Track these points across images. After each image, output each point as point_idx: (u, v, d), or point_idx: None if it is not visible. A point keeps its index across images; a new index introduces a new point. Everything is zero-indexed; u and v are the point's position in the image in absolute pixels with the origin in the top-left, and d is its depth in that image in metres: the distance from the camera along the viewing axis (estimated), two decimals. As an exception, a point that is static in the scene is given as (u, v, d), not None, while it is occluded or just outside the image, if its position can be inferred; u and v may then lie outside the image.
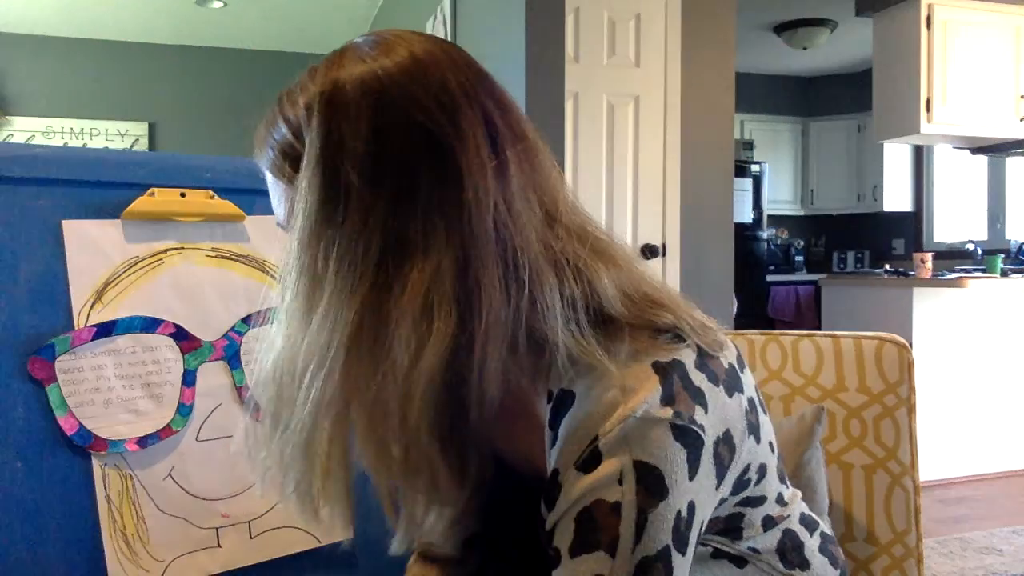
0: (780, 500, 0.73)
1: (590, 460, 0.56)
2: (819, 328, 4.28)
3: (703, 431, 0.58)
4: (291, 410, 0.58)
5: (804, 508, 0.79)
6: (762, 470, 0.69)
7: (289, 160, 0.59)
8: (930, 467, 3.63)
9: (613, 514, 0.55)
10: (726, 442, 0.61)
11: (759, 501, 0.70)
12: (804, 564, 0.75)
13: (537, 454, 0.65)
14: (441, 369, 0.55)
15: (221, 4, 4.71)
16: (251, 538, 0.98)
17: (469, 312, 0.55)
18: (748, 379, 0.66)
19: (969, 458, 3.78)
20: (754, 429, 0.65)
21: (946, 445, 3.71)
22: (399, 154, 0.55)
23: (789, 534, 0.74)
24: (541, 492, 0.62)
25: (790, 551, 0.73)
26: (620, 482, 0.55)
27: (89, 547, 0.88)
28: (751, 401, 0.65)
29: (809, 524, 0.78)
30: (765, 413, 0.70)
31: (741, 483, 0.66)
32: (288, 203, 0.61)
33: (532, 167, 0.60)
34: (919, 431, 1.10)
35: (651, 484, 0.55)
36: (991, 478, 3.80)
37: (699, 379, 0.60)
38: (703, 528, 0.62)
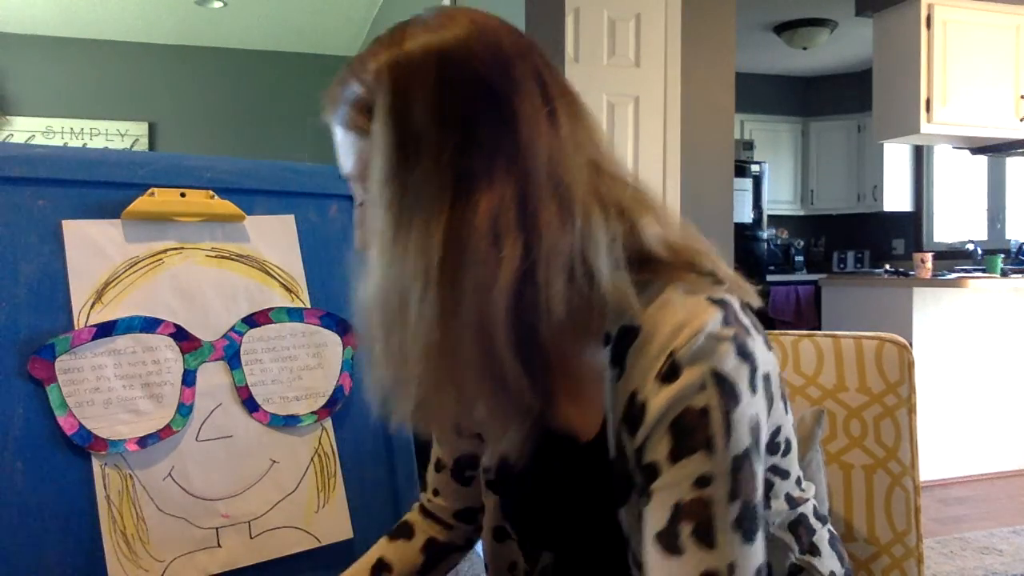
0: (799, 482, 0.78)
1: (670, 372, 0.62)
2: (819, 328, 4.28)
3: (756, 359, 0.64)
4: (401, 332, 0.64)
5: (815, 502, 0.82)
6: (788, 444, 0.73)
7: (362, 113, 0.66)
8: (930, 467, 3.63)
9: (703, 417, 0.61)
10: (768, 381, 0.67)
11: (785, 474, 0.74)
12: (815, 550, 0.78)
13: (577, 414, 0.72)
14: (514, 290, 0.62)
15: (221, 4, 4.71)
16: (251, 538, 0.98)
17: (531, 240, 0.62)
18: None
19: (969, 458, 3.78)
20: (783, 396, 0.71)
21: (946, 445, 3.71)
22: (462, 102, 0.63)
23: (804, 519, 0.77)
24: (569, 455, 0.71)
25: (803, 535, 0.77)
26: (703, 388, 0.61)
27: (89, 547, 0.88)
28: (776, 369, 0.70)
29: (820, 518, 0.82)
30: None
31: (773, 445, 0.71)
32: (358, 154, 0.68)
33: (578, 118, 0.68)
34: (919, 431, 1.10)
35: (727, 390, 0.61)
36: (991, 478, 3.80)
37: (745, 320, 0.66)
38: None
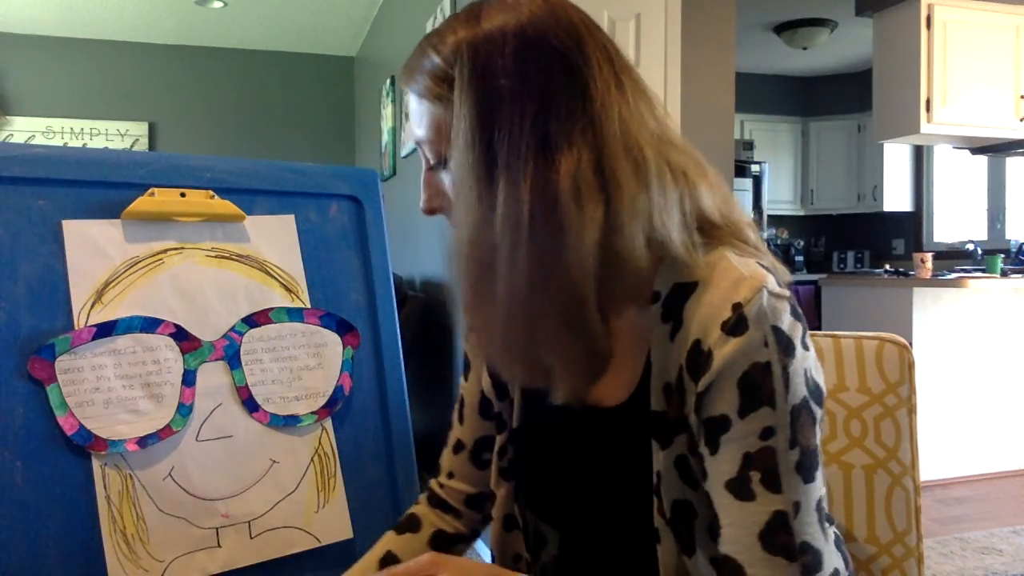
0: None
1: (738, 324, 0.67)
2: (819, 328, 4.28)
3: (804, 321, 0.71)
4: (490, 283, 0.69)
5: (825, 504, 0.82)
6: None
7: (440, 84, 0.70)
8: (930, 467, 3.63)
9: (767, 372, 0.66)
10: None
11: None
12: None
13: (609, 376, 0.76)
14: (600, 245, 0.67)
15: (221, 4, 4.71)
16: (251, 538, 0.98)
17: (612, 198, 0.67)
18: None
19: (969, 458, 3.78)
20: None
21: (946, 445, 3.71)
22: (540, 74, 0.67)
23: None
24: (588, 427, 0.78)
25: None
26: (766, 344, 0.66)
27: (89, 547, 0.88)
28: None
29: (827, 518, 0.81)
30: None
31: None
32: (433, 120, 0.72)
33: (641, 91, 0.73)
34: (919, 431, 1.10)
35: (785, 345, 0.67)
36: (991, 478, 3.80)
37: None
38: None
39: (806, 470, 0.67)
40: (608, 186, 0.67)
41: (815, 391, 0.69)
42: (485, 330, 0.74)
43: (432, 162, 0.75)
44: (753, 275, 0.69)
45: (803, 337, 0.69)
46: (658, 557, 0.73)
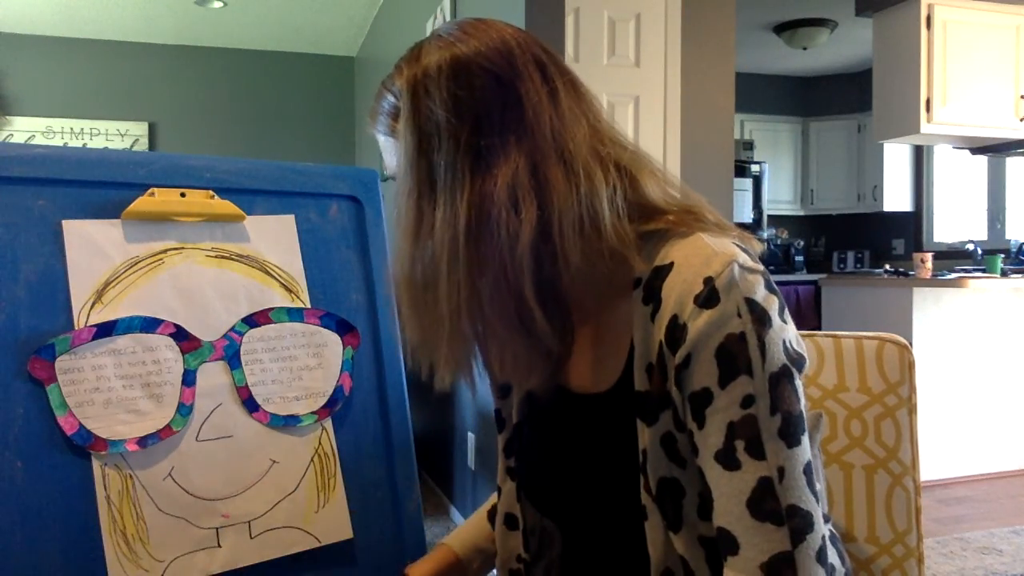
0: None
1: (710, 297, 0.69)
2: (819, 328, 4.28)
3: (781, 297, 0.72)
4: (433, 297, 0.74)
5: (823, 504, 0.84)
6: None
7: (395, 119, 0.77)
8: (930, 467, 3.63)
9: (741, 341, 0.68)
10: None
11: None
12: None
13: (596, 364, 0.80)
14: (534, 246, 0.71)
15: (221, 4, 4.71)
16: (251, 538, 0.98)
17: (544, 201, 0.71)
18: None
19: (969, 458, 3.78)
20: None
21: (946, 445, 3.71)
22: (470, 96, 0.72)
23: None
24: (583, 409, 0.81)
25: None
26: (739, 315, 0.68)
27: (89, 547, 0.88)
28: None
29: (824, 516, 0.83)
30: None
31: None
32: (397, 158, 0.77)
33: (577, 93, 0.77)
34: (919, 431, 1.10)
35: (760, 316, 0.69)
36: (991, 478, 3.80)
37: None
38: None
39: (789, 435, 0.69)
40: (542, 190, 0.71)
41: (797, 360, 0.71)
42: (431, 339, 0.77)
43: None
44: (724, 251, 0.71)
45: (780, 311, 0.71)
46: (646, 534, 0.75)
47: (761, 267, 0.73)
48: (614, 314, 0.78)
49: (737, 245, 0.74)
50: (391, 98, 0.77)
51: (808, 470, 0.70)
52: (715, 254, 0.71)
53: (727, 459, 0.69)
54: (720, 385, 0.69)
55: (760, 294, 0.70)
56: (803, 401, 0.71)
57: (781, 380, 0.69)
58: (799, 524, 0.68)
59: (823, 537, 0.70)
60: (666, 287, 0.72)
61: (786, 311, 0.73)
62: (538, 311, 0.73)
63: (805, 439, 0.70)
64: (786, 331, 0.71)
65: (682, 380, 0.71)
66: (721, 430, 0.69)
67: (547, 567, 0.89)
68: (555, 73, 0.76)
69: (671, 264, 0.73)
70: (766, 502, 0.68)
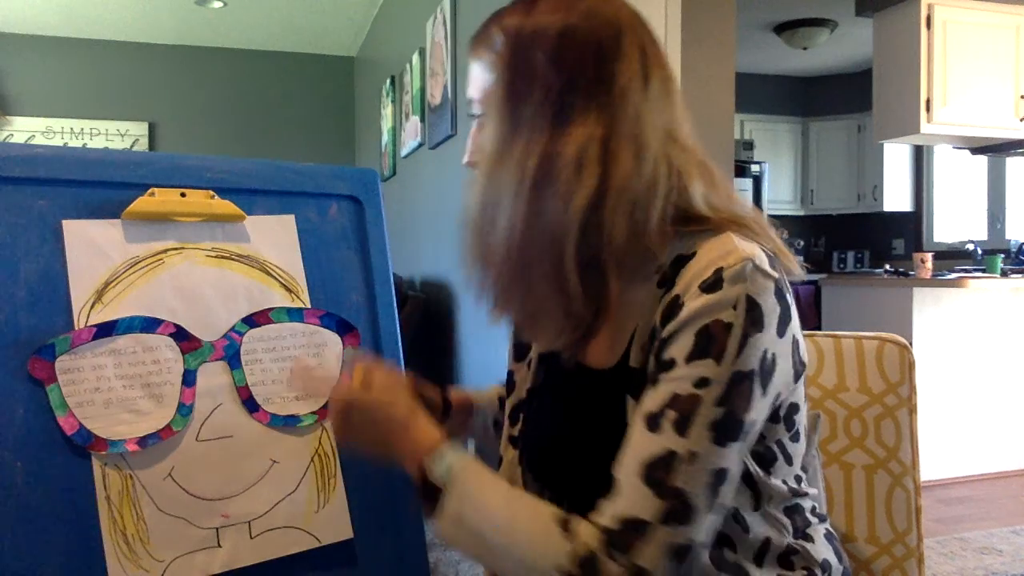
0: (800, 480, 0.82)
1: (714, 284, 0.71)
2: (819, 328, 4.27)
3: (791, 312, 0.74)
4: (489, 234, 0.78)
5: (816, 504, 0.87)
6: (798, 433, 0.81)
7: (492, 54, 0.80)
8: (930, 467, 3.63)
9: (726, 331, 0.69)
10: (797, 346, 0.76)
11: (789, 459, 0.80)
12: (808, 538, 0.82)
13: (604, 343, 0.82)
14: (586, 211, 0.73)
15: (221, 4, 4.71)
16: (251, 538, 0.98)
17: (607, 174, 0.73)
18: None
19: (969, 458, 3.78)
20: (804, 386, 0.80)
21: (946, 445, 3.71)
22: (572, 57, 0.75)
23: (800, 509, 0.82)
24: (593, 389, 0.82)
25: (799, 522, 0.81)
26: (734, 307, 0.70)
27: (89, 547, 0.88)
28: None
29: (819, 516, 0.86)
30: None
31: (788, 421, 0.78)
32: (483, 83, 0.81)
33: (667, 93, 0.79)
34: (919, 431, 1.10)
35: (755, 317, 0.70)
36: (991, 478, 3.80)
37: (787, 280, 0.76)
38: (774, 399, 0.74)
39: (721, 433, 0.69)
40: (608, 163, 0.74)
41: (766, 371, 0.71)
42: (484, 271, 0.80)
43: (477, 117, 0.85)
44: (745, 249, 0.73)
45: (781, 323, 0.72)
46: None
47: (777, 275, 0.73)
48: (634, 297, 0.80)
49: (765, 252, 0.75)
50: (493, 33, 0.80)
51: (721, 479, 0.69)
52: (735, 249, 0.72)
53: (652, 422, 0.70)
54: (686, 360, 0.70)
55: (765, 298, 0.71)
56: (759, 417, 0.71)
57: (744, 382, 0.69)
58: (677, 509, 0.68)
59: (695, 545, 0.69)
60: (681, 274, 0.74)
61: (790, 327, 0.73)
62: (574, 274, 0.75)
63: (734, 449, 0.70)
64: (777, 345, 0.72)
65: (660, 351, 0.73)
66: (664, 396, 0.70)
67: None
68: (654, 65, 0.78)
69: (693, 254, 0.75)
70: (660, 471, 0.68)
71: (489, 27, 0.82)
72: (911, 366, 1.11)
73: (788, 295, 0.74)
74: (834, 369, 1.13)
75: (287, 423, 1.03)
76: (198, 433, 0.97)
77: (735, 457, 0.70)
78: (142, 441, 0.93)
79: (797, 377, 0.77)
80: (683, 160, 0.78)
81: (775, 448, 0.79)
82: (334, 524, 1.04)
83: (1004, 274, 3.96)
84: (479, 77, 0.82)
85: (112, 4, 4.69)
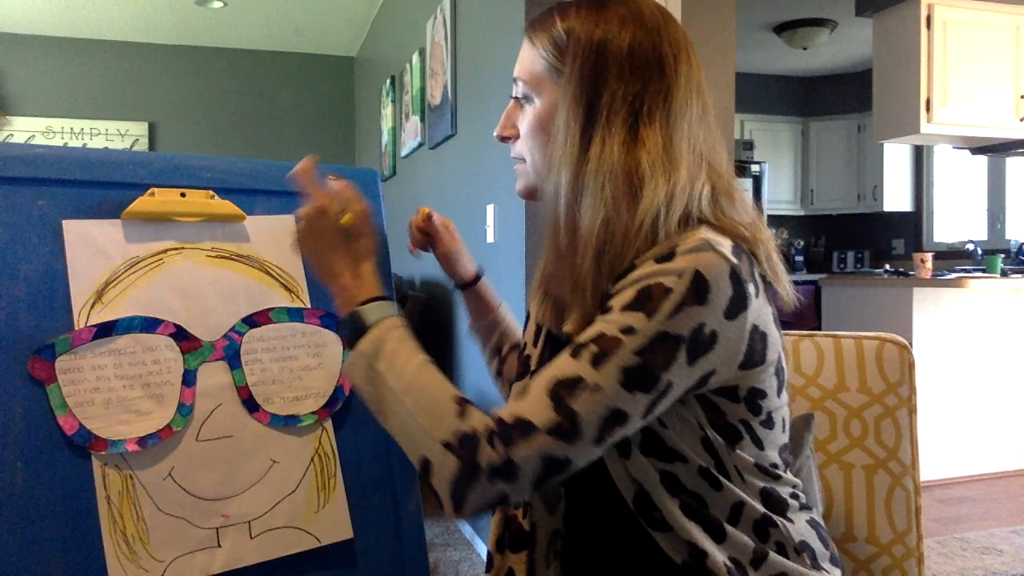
0: (777, 467, 0.85)
1: (667, 256, 0.76)
2: (819, 328, 4.27)
3: (747, 300, 0.76)
4: (575, 212, 0.82)
5: (801, 494, 0.88)
6: (770, 419, 0.83)
7: (556, 46, 0.85)
8: (930, 467, 3.63)
9: (664, 294, 0.74)
10: (765, 341, 0.79)
11: (759, 443, 0.83)
12: (786, 517, 0.84)
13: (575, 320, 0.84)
14: (657, 208, 0.78)
15: (221, 4, 4.71)
16: (251, 538, 0.98)
17: (671, 177, 0.80)
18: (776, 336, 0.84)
19: (969, 458, 3.78)
20: (780, 376, 0.84)
21: (946, 445, 3.71)
22: (644, 64, 0.82)
23: (775, 492, 0.84)
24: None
25: (774, 504, 0.84)
26: (679, 276, 0.74)
27: (89, 547, 0.88)
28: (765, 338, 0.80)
29: (804, 506, 0.87)
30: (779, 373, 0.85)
31: (753, 404, 0.81)
32: (536, 70, 0.87)
33: (706, 113, 0.86)
34: (919, 431, 1.10)
35: (698, 290, 0.73)
36: (991, 478, 3.80)
37: (755, 277, 0.79)
38: (711, 381, 0.77)
39: (630, 378, 0.73)
40: (673, 169, 0.80)
41: (699, 344, 0.74)
42: (556, 253, 0.85)
43: (519, 97, 0.89)
44: (710, 237, 0.77)
45: (733, 307, 0.75)
46: (610, 473, 0.81)
47: (736, 262, 0.76)
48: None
49: (739, 248, 0.78)
50: (559, 23, 0.85)
51: (615, 419, 0.73)
52: (700, 236, 0.76)
53: (576, 350, 0.75)
54: (621, 309, 0.75)
55: (714, 277, 0.74)
56: (678, 382, 0.75)
57: (667, 342, 0.73)
58: (565, 427, 0.73)
59: (570, 465, 0.74)
60: (647, 254, 0.78)
61: (745, 315, 0.76)
62: (594, 272, 0.80)
63: (639, 401, 0.74)
64: (721, 325, 0.74)
65: (604, 302, 0.78)
66: (592, 333, 0.75)
67: (553, 534, 0.91)
68: (700, 88, 0.87)
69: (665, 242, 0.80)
70: (564, 390, 0.73)
71: (553, 19, 0.86)
72: (911, 366, 1.11)
73: (748, 286, 0.76)
74: (834, 369, 1.13)
75: (287, 423, 1.03)
76: (198, 433, 0.97)
77: (639, 407, 0.74)
78: (142, 441, 0.93)
79: (752, 364, 0.79)
80: (711, 169, 0.84)
81: (740, 427, 0.81)
82: (334, 524, 1.04)
83: (1004, 274, 3.96)
84: (534, 61, 0.87)
85: (112, 4, 4.69)
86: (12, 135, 5.15)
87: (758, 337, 0.78)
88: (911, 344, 1.05)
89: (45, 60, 5.23)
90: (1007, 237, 5.32)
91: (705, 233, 0.77)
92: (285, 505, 1.01)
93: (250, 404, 1.01)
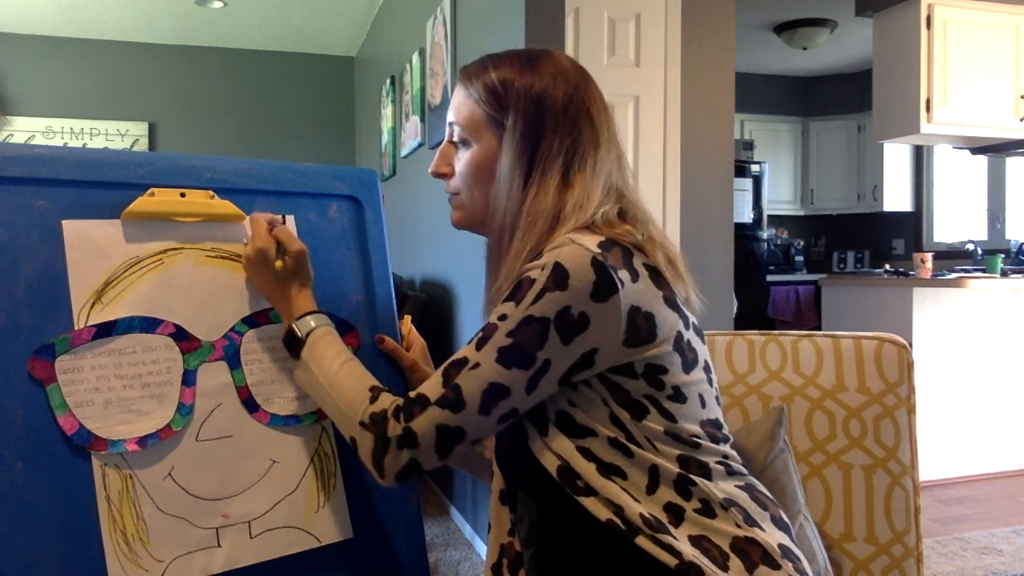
0: (704, 438, 0.90)
1: (537, 256, 0.89)
2: (819, 328, 4.28)
3: (621, 284, 0.86)
4: (510, 237, 0.95)
5: (734, 467, 0.92)
6: (678, 392, 0.89)
7: (492, 97, 0.96)
8: (930, 467, 3.63)
9: (529, 283, 0.86)
10: (649, 320, 0.88)
11: (670, 416, 0.89)
12: (707, 476, 0.89)
13: None
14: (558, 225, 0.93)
15: (221, 4, 4.71)
16: (251, 538, 0.98)
17: (585, 211, 0.93)
18: (669, 316, 0.91)
19: (969, 458, 3.79)
20: (687, 354, 0.91)
21: (946, 445, 3.71)
22: (576, 119, 0.95)
23: (694, 460, 0.89)
24: None
25: (693, 462, 0.89)
26: (543, 268, 0.86)
27: (89, 547, 0.88)
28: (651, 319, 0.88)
29: (736, 472, 0.92)
30: (691, 352, 0.93)
31: (655, 380, 0.88)
32: (472, 117, 0.97)
33: (623, 162, 1.00)
34: (919, 431, 1.10)
35: (558, 278, 0.85)
36: (991, 478, 3.80)
37: (639, 265, 0.89)
38: (597, 359, 0.87)
39: (506, 357, 0.85)
40: (589, 205, 0.93)
41: (568, 324, 0.84)
42: (498, 260, 0.97)
43: (455, 140, 1.00)
44: (572, 236, 0.88)
45: (600, 290, 0.84)
46: (533, 450, 0.90)
47: (598, 252, 0.86)
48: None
49: (610, 240, 0.88)
50: (494, 77, 0.96)
51: (495, 392, 0.85)
52: (565, 237, 0.88)
53: (471, 339, 0.89)
54: (501, 301, 0.88)
55: (575, 265, 0.85)
56: (558, 359, 0.85)
57: (534, 324, 0.85)
58: (450, 398, 0.86)
59: (464, 433, 0.86)
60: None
61: (616, 299, 0.85)
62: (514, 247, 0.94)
63: (517, 377, 0.85)
64: (589, 306, 0.84)
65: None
66: (483, 324, 0.89)
67: (526, 540, 0.98)
68: (613, 133, 0.99)
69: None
70: (453, 369, 0.87)
71: (488, 69, 0.98)
72: (910, 366, 1.11)
73: (618, 272, 0.85)
74: (833, 369, 1.13)
75: (287, 423, 1.03)
76: (198, 433, 0.97)
77: (519, 382, 0.85)
78: (142, 441, 0.93)
79: (638, 343, 0.87)
80: (625, 204, 0.97)
81: (646, 402, 0.89)
82: (334, 524, 1.04)
83: (1004, 274, 3.96)
84: (472, 109, 0.98)
85: (112, 4, 4.69)
86: (12, 135, 5.15)
87: (641, 317, 0.87)
88: (911, 344, 1.05)
89: (45, 60, 5.23)
90: (1007, 237, 5.32)
91: (571, 234, 0.88)
92: (285, 505, 1.01)
93: (250, 404, 1.01)
